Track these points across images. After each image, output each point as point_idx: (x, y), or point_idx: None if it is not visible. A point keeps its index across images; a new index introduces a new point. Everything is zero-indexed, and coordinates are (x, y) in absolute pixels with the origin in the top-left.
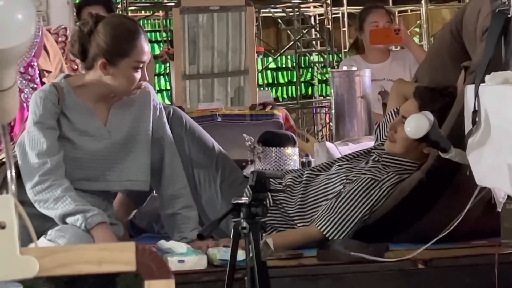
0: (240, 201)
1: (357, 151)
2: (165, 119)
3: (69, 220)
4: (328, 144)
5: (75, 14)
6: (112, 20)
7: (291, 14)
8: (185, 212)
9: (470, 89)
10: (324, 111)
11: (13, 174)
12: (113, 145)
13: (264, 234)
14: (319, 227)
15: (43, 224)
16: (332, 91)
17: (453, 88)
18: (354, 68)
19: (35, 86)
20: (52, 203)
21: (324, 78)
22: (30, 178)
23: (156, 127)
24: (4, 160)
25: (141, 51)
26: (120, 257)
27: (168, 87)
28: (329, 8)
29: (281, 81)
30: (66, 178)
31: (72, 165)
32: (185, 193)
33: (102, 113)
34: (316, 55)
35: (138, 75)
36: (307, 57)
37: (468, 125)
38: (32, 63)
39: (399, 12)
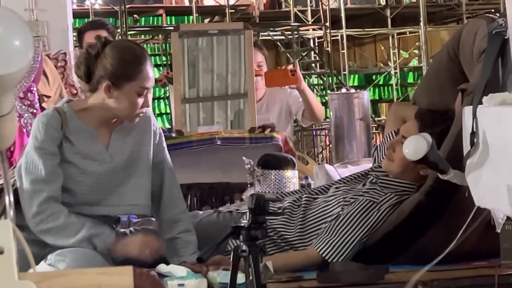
0: (239, 224)
1: (354, 173)
2: (164, 144)
3: (85, 246)
4: (328, 166)
5: (74, 39)
6: (119, 44)
7: (290, 37)
8: (185, 236)
9: (468, 110)
10: (324, 133)
11: (12, 199)
12: (115, 169)
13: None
14: (318, 250)
15: (42, 249)
16: (331, 113)
17: (453, 112)
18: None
19: (35, 111)
20: (56, 232)
21: (324, 100)
22: (29, 206)
23: (156, 152)
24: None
25: (146, 77)
26: (118, 281)
27: (168, 111)
28: (328, 31)
29: None
30: (69, 202)
31: (75, 189)
32: (184, 218)
33: (104, 137)
34: (316, 77)
35: (141, 100)
36: (306, 80)
37: (466, 146)
38: (32, 88)
39: (398, 34)
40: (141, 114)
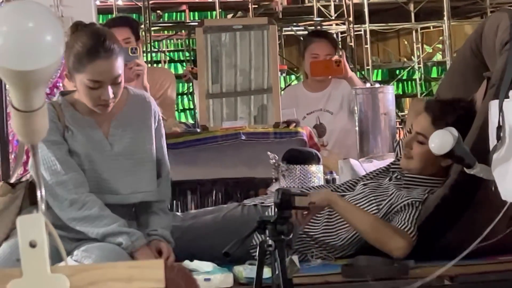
0: (265, 219)
1: (377, 169)
2: (163, 131)
3: (111, 239)
4: (353, 161)
5: None
6: (79, 34)
7: None
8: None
9: (494, 104)
10: None
11: (43, 193)
12: (116, 157)
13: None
14: (400, 226)
15: (69, 246)
16: (356, 108)
17: (467, 102)
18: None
19: None
20: (89, 221)
21: None
22: (58, 199)
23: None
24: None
25: (95, 70)
26: (149, 274)
27: (191, 106)
28: (351, 26)
29: None
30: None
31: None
32: (162, 216)
33: (104, 125)
34: None
35: (96, 92)
36: None
37: (492, 141)
38: (58, 84)
39: (422, 28)
40: (107, 105)
